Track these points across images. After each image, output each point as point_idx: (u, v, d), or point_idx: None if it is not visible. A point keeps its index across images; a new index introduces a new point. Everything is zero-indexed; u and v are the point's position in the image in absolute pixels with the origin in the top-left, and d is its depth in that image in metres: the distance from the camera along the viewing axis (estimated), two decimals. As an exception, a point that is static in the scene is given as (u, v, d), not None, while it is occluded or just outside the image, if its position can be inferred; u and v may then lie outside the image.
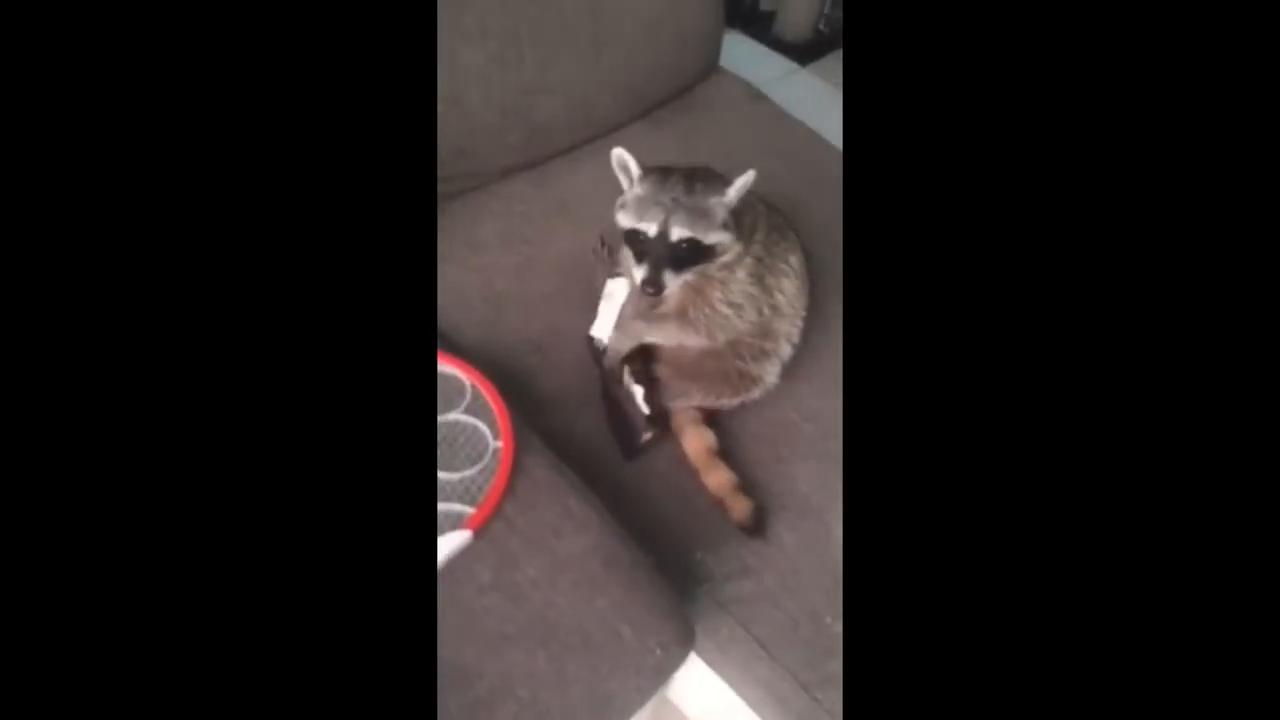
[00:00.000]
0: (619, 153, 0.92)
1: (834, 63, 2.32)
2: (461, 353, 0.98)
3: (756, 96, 1.57)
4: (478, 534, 0.82)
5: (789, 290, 1.03)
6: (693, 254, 0.91)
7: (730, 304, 0.98)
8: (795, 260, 1.04)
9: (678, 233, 0.89)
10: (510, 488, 0.86)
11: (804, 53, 2.34)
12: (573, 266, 1.17)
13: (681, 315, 0.99)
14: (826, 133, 1.50)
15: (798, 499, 1.03)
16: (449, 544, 0.80)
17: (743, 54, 1.94)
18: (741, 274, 0.97)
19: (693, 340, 1.00)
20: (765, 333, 1.02)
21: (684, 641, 0.87)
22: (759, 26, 2.40)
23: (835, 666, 0.91)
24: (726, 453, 1.04)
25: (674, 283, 0.91)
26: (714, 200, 0.90)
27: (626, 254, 0.97)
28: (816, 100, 1.98)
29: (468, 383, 0.93)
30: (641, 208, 0.90)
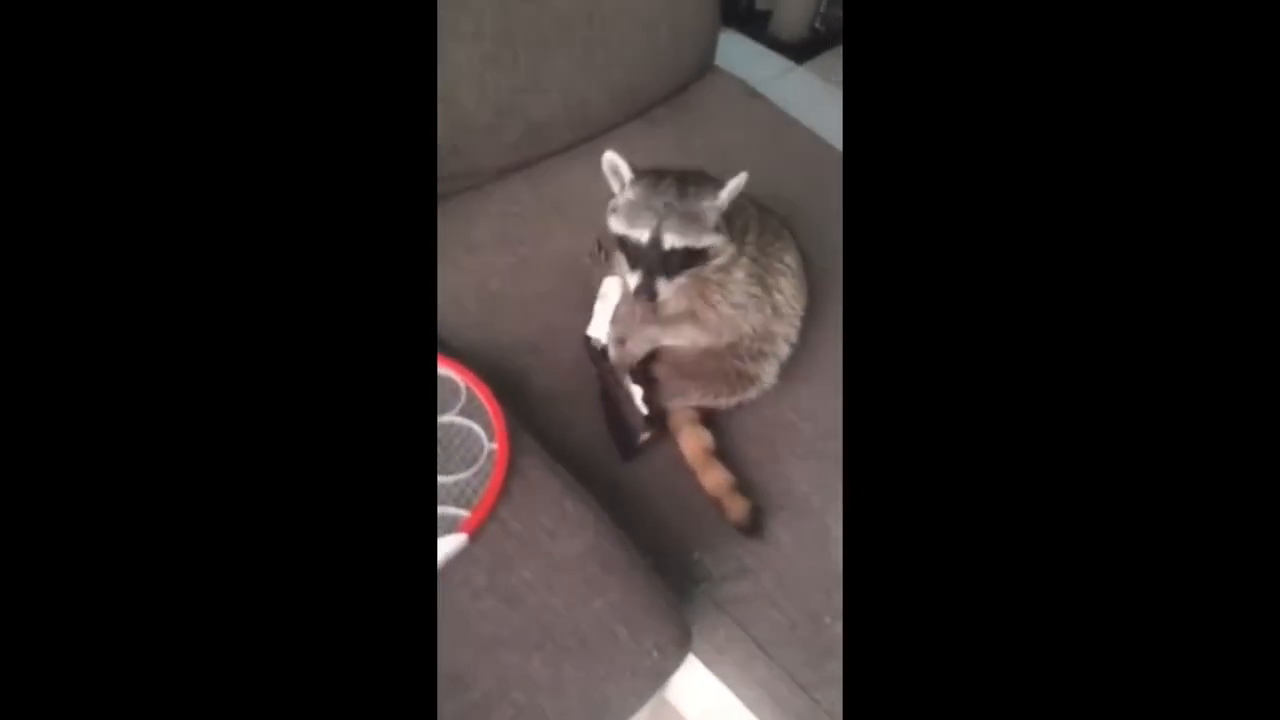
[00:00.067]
0: (610, 156, 0.92)
1: (830, 61, 2.32)
2: (456, 354, 0.98)
3: (752, 95, 1.56)
4: (473, 537, 0.81)
5: (787, 290, 1.02)
6: (686, 259, 0.90)
7: (734, 305, 0.97)
8: (791, 259, 1.03)
9: (670, 240, 0.88)
10: (505, 490, 0.85)
11: (800, 51, 2.34)
12: (568, 267, 1.16)
13: (693, 315, 0.99)
14: (823, 131, 1.50)
15: (795, 499, 1.02)
16: (444, 548, 0.79)
17: (738, 53, 1.94)
18: (740, 275, 0.97)
19: (704, 340, 1.00)
20: (763, 334, 1.02)
21: (681, 643, 0.87)
22: (755, 25, 2.40)
23: (833, 667, 0.91)
24: (723, 453, 1.03)
25: (667, 289, 0.91)
26: (706, 204, 0.90)
27: (620, 257, 0.97)
28: (813, 99, 1.97)
29: (462, 385, 0.93)
30: (633, 214, 0.90)
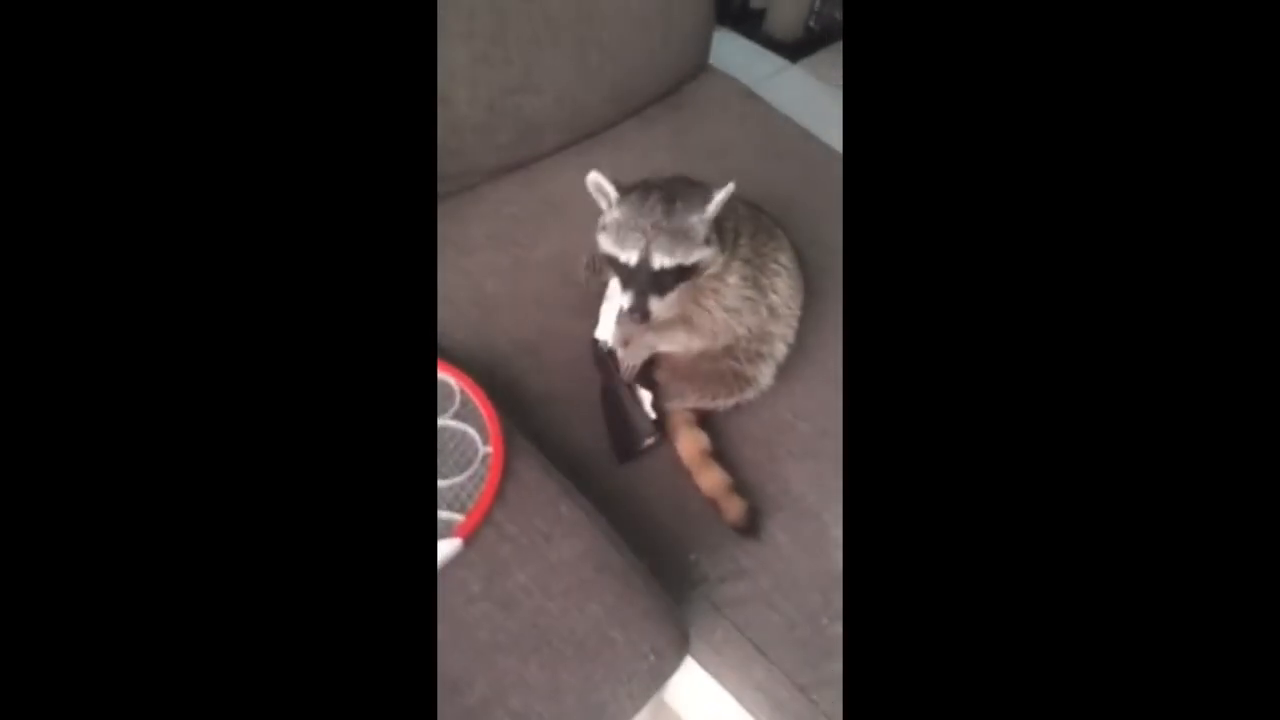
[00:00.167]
0: (594, 177, 0.91)
1: (824, 60, 2.32)
2: (450, 356, 0.97)
3: (747, 94, 1.56)
4: (468, 542, 0.81)
5: (783, 290, 1.02)
6: (677, 276, 0.90)
7: (728, 309, 0.97)
8: (786, 258, 1.03)
9: (660, 260, 0.88)
10: (500, 494, 0.84)
11: (794, 50, 2.33)
12: (563, 268, 1.16)
13: (687, 321, 0.98)
14: (818, 130, 1.50)
15: (792, 499, 1.02)
16: (439, 553, 0.78)
17: (733, 52, 1.93)
18: (733, 279, 0.96)
19: (698, 344, 1.00)
20: (760, 335, 1.02)
21: (679, 646, 0.86)
22: (749, 24, 2.39)
23: (832, 668, 0.90)
24: (720, 453, 1.03)
25: (660, 306, 0.91)
26: (694, 219, 0.89)
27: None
28: (807, 97, 1.97)
29: (456, 387, 0.92)
30: (621, 234, 0.89)
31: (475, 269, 1.16)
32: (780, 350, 1.05)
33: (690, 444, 1.02)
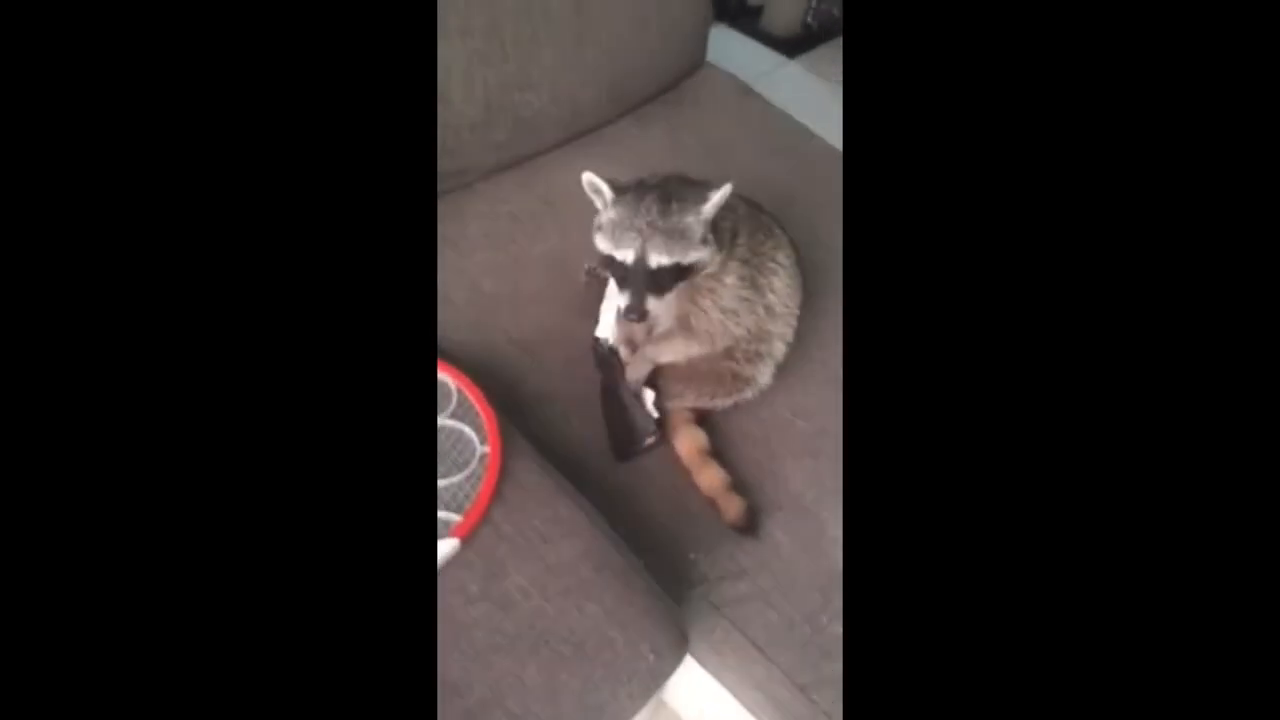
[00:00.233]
0: (589, 177, 0.91)
1: (822, 56, 2.31)
2: (447, 355, 0.97)
3: (745, 91, 1.55)
4: (465, 542, 0.80)
5: (780, 289, 1.02)
6: (674, 275, 0.90)
7: (724, 310, 0.97)
8: (784, 257, 1.03)
9: (656, 259, 0.88)
10: (498, 493, 0.84)
11: (792, 46, 2.33)
12: (560, 266, 1.15)
13: (685, 328, 0.98)
14: (816, 126, 1.49)
15: (791, 497, 1.02)
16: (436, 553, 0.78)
17: (730, 48, 1.93)
18: (731, 280, 0.96)
19: (697, 351, 1.00)
20: (759, 335, 1.02)
21: (678, 646, 0.86)
22: (746, 20, 2.38)
23: (831, 668, 0.90)
24: (719, 452, 1.03)
25: (657, 306, 0.90)
26: (690, 218, 0.89)
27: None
28: (805, 94, 1.97)
29: (453, 387, 0.92)
30: (617, 234, 0.89)
31: (473, 268, 1.16)
32: (779, 349, 1.04)
33: (689, 443, 1.02)
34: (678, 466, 1.02)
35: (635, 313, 0.89)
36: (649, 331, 1.04)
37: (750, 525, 0.98)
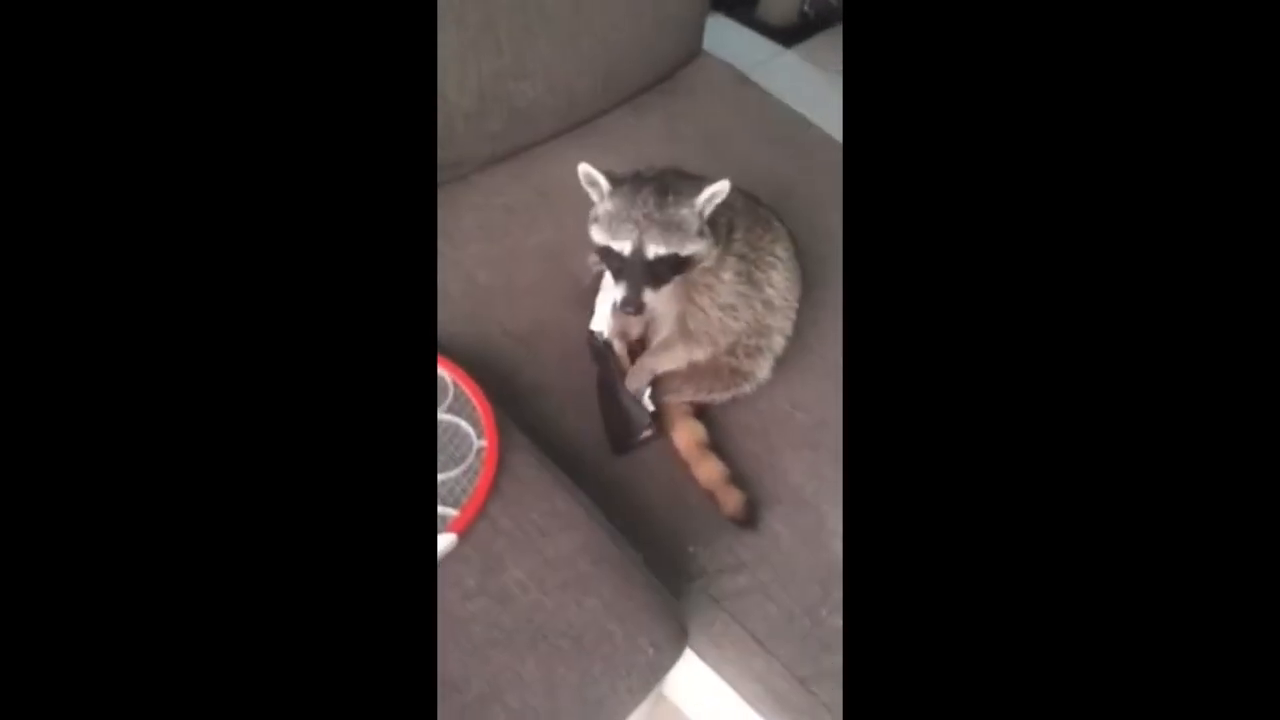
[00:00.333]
0: (585, 169, 0.91)
1: (819, 45, 2.30)
2: (442, 349, 0.96)
3: (741, 80, 1.54)
4: (462, 537, 0.80)
5: (779, 282, 1.01)
6: (670, 268, 0.89)
7: (722, 307, 0.96)
8: (781, 250, 1.02)
9: (653, 250, 0.88)
10: (495, 487, 0.83)
11: (788, 35, 2.31)
12: (556, 257, 1.14)
13: (684, 333, 0.98)
14: (813, 116, 1.48)
15: (790, 490, 1.01)
16: (433, 548, 0.78)
17: (726, 37, 1.91)
18: (728, 275, 0.96)
19: (699, 355, 1.00)
20: (757, 329, 1.01)
21: (677, 640, 0.86)
22: (742, 9, 2.37)
23: (831, 660, 0.90)
24: (717, 445, 1.02)
25: (653, 299, 0.90)
26: (686, 211, 0.88)
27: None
28: (802, 83, 1.96)
29: (449, 380, 0.91)
30: (613, 225, 0.89)
31: (467, 260, 1.15)
32: (778, 343, 1.04)
33: (687, 435, 1.01)
34: (676, 459, 1.01)
35: (632, 305, 0.89)
36: (644, 326, 1.04)
37: (749, 518, 0.97)
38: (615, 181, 0.91)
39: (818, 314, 1.10)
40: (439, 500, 0.81)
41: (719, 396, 1.04)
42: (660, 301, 0.93)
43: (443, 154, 1.17)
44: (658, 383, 1.02)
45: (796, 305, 1.05)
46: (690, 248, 0.89)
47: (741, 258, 0.96)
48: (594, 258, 1.06)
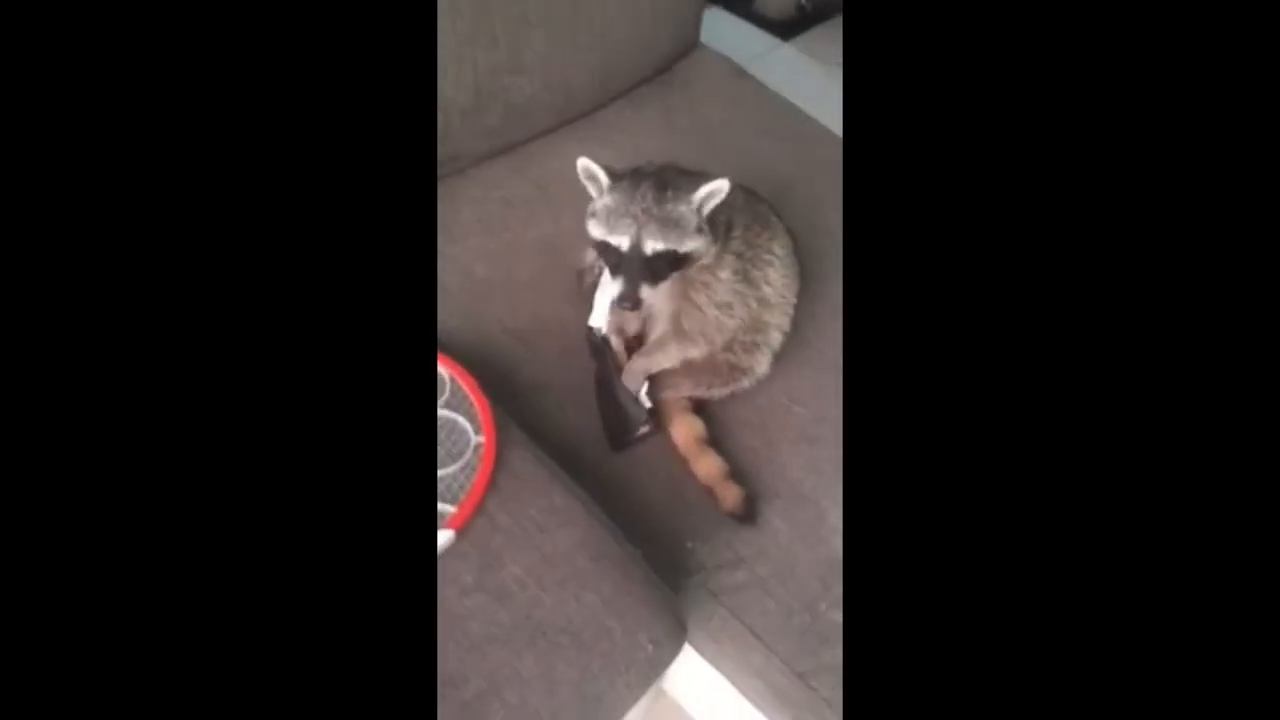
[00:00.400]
0: (584, 163, 0.90)
1: (817, 38, 2.29)
2: (440, 344, 0.96)
3: (739, 73, 1.53)
4: (460, 533, 0.79)
5: (776, 280, 1.01)
6: (668, 264, 0.89)
7: (718, 304, 0.96)
8: (779, 247, 1.02)
9: (650, 246, 0.87)
10: (493, 483, 0.83)
11: (786, 28, 2.30)
12: (554, 252, 1.14)
13: (678, 332, 0.98)
14: (810, 109, 1.48)
15: (789, 485, 1.01)
16: (430, 544, 0.77)
17: (724, 30, 1.91)
18: (725, 273, 0.95)
19: (694, 353, 0.99)
20: (754, 325, 1.01)
21: (676, 636, 0.86)
22: (740, 2, 2.36)
23: (830, 655, 0.90)
24: (716, 440, 1.02)
25: (651, 295, 0.90)
26: (685, 207, 0.88)
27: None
28: (800, 76, 1.95)
29: (446, 376, 0.90)
30: (612, 220, 0.88)
31: (465, 254, 1.14)
32: (776, 339, 1.04)
33: (686, 431, 1.01)
34: (675, 455, 1.01)
35: (629, 300, 0.89)
36: (642, 323, 1.03)
37: (748, 513, 0.97)
38: (614, 176, 0.90)
39: (815, 308, 1.10)
40: (438, 496, 0.81)
41: (717, 392, 1.04)
42: (658, 298, 0.93)
43: (439, 149, 1.17)
44: (656, 379, 1.02)
45: (794, 301, 1.04)
46: (689, 244, 0.89)
47: (739, 256, 0.96)
48: (592, 253, 1.05)
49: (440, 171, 1.21)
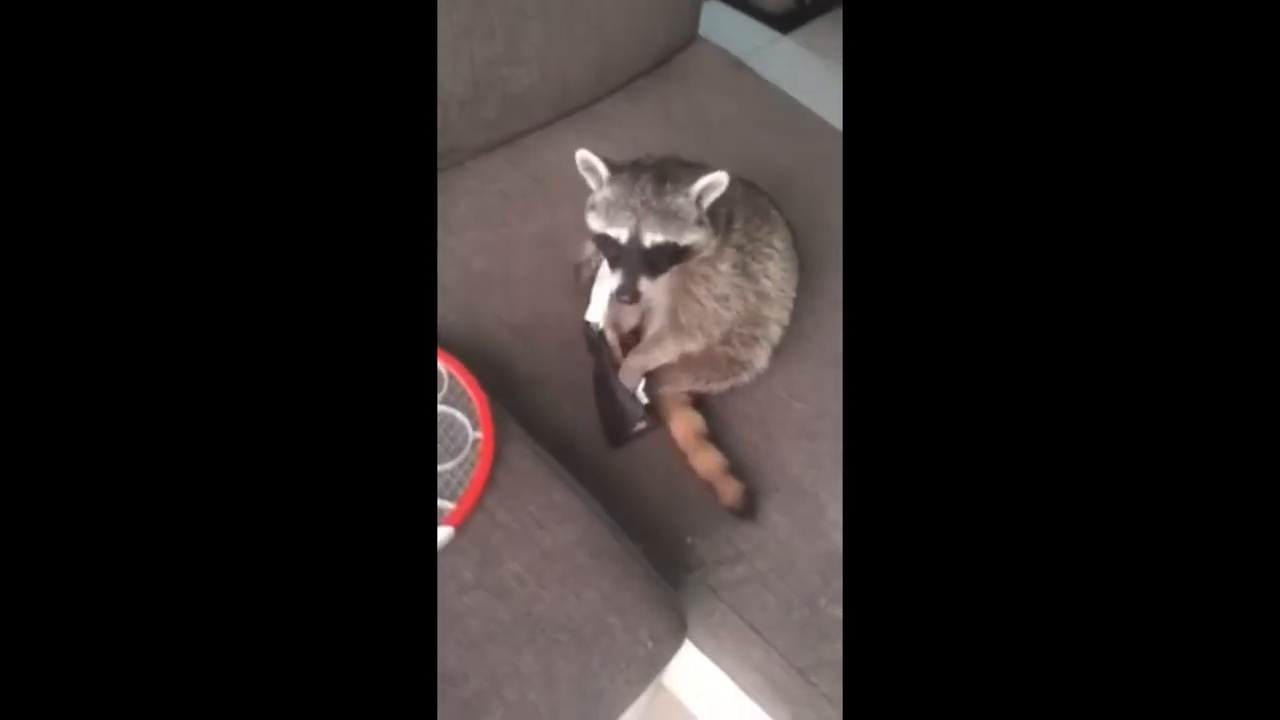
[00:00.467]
0: (584, 155, 0.89)
1: (816, 31, 2.28)
2: (437, 339, 0.95)
3: (737, 66, 1.53)
4: (459, 529, 0.79)
5: (775, 274, 1.00)
6: (668, 257, 0.88)
7: (717, 298, 0.96)
8: (779, 241, 1.01)
9: (650, 238, 0.87)
10: (492, 480, 0.83)
11: (785, 22, 2.29)
12: (552, 246, 1.13)
13: (675, 326, 0.97)
14: (809, 102, 1.47)
15: (788, 480, 1.01)
16: (429, 541, 0.77)
17: (722, 23, 1.89)
18: (725, 266, 0.95)
19: (691, 347, 0.99)
20: (754, 319, 1.00)
21: (676, 632, 0.85)
22: (738, -6, 2.35)
23: (830, 650, 0.90)
24: (715, 435, 1.02)
25: (650, 288, 0.89)
26: (685, 200, 0.87)
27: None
28: (799, 69, 1.93)
29: (445, 371, 0.90)
30: (611, 212, 0.88)
31: (462, 246, 1.14)
32: (775, 333, 1.03)
33: (685, 426, 1.01)
34: (674, 450, 1.01)
35: (628, 293, 0.88)
36: (640, 317, 1.03)
37: (748, 508, 0.97)
38: (614, 168, 0.90)
39: (815, 302, 1.10)
40: (436, 493, 0.81)
41: (716, 386, 1.03)
42: (656, 292, 0.92)
43: (438, 141, 1.16)
44: (655, 374, 1.01)
45: (794, 295, 1.04)
46: (689, 237, 0.88)
47: (739, 249, 0.96)
48: (589, 246, 1.05)
49: (438, 164, 1.20)
